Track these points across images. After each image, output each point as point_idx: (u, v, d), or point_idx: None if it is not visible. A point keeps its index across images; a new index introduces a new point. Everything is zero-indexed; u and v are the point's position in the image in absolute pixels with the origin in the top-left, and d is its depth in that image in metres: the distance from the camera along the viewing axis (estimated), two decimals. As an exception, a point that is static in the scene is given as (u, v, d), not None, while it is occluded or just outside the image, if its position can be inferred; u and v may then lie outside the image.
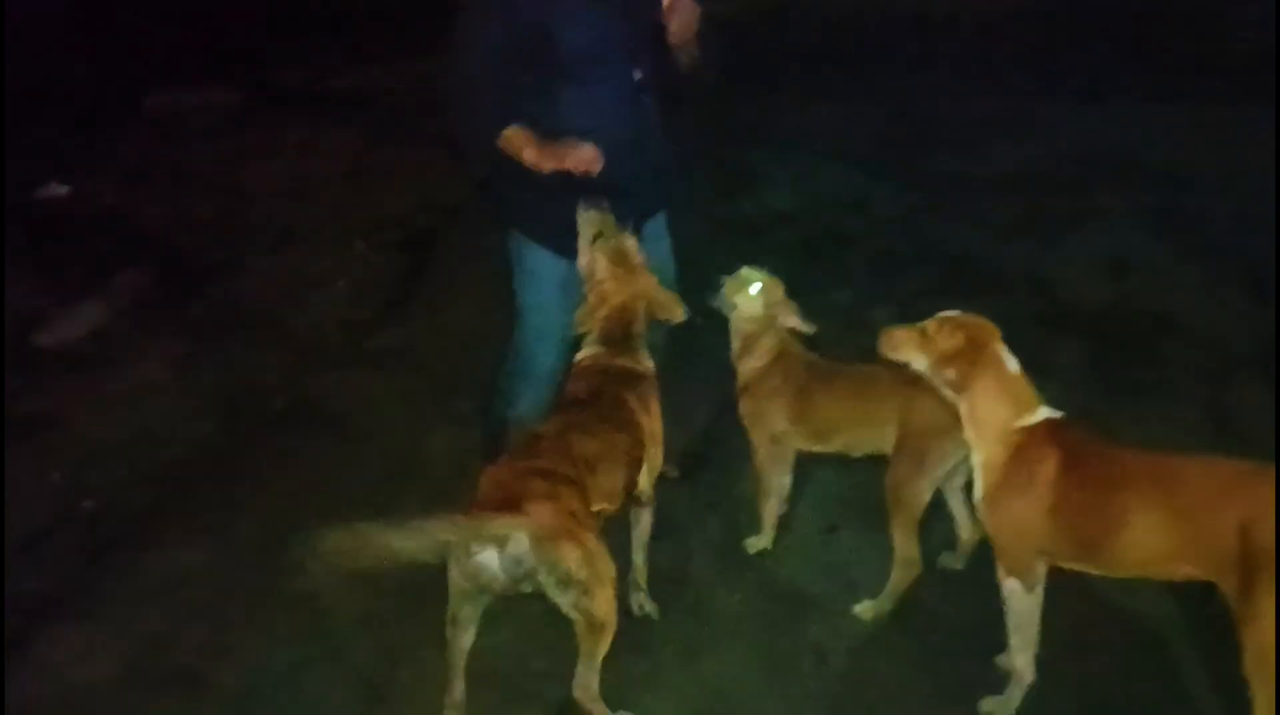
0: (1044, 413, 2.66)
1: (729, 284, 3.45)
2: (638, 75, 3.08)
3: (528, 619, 3.04)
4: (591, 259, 3.08)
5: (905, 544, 3.17)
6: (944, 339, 2.69)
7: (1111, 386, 4.43)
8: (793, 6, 15.68)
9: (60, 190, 7.00)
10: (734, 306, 3.43)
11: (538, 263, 3.26)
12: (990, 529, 2.73)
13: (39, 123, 7.76)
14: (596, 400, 2.98)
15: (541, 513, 2.46)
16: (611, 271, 3.06)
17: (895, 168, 7.47)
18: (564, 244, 3.18)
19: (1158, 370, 4.59)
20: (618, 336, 3.09)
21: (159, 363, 4.94)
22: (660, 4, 2.96)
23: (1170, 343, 4.84)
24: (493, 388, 3.61)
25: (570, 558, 2.46)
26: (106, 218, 6.35)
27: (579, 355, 3.15)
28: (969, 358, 2.64)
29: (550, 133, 2.97)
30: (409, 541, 2.35)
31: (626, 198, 3.14)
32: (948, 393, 2.73)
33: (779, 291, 3.47)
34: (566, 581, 2.48)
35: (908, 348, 2.76)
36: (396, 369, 4.89)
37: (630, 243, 3.12)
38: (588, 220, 3.07)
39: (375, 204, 7.01)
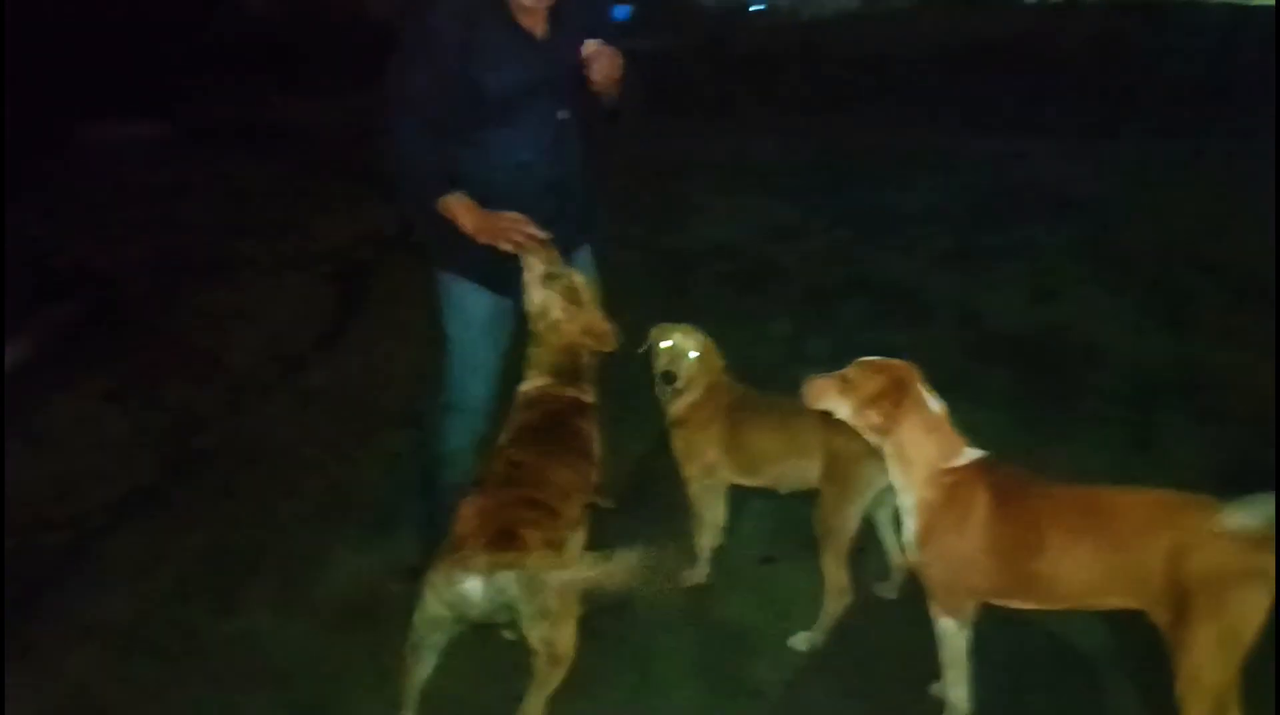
0: (970, 453, 2.69)
1: (661, 351, 3.46)
2: (562, 115, 3.12)
3: (475, 652, 3.01)
4: (544, 297, 3.11)
5: (835, 573, 3.20)
6: (865, 383, 2.71)
7: (1038, 415, 4.52)
8: (726, 43, 15.94)
9: (-16, 223, 6.85)
10: (666, 372, 3.45)
11: (463, 297, 3.28)
12: (923, 570, 2.75)
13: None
14: (558, 430, 3.01)
15: (534, 541, 2.50)
16: (565, 308, 3.11)
17: (826, 200, 7.61)
18: (489, 278, 3.21)
19: (1084, 399, 4.70)
20: (568, 369, 3.13)
21: (86, 399, 4.83)
22: (582, 48, 3.01)
23: (1095, 372, 4.95)
24: (423, 418, 3.60)
25: (550, 590, 2.49)
26: (32, 251, 6.22)
27: (524, 386, 3.17)
28: (891, 400, 2.66)
29: (477, 171, 3.04)
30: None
31: (552, 231, 3.17)
32: (872, 438, 2.74)
33: (712, 354, 3.51)
34: (543, 612, 2.50)
35: (829, 396, 2.76)
36: (330, 403, 4.85)
37: (579, 279, 3.17)
38: (537, 259, 3.09)
39: (307, 237, 6.96)
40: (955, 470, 2.65)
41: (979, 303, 5.75)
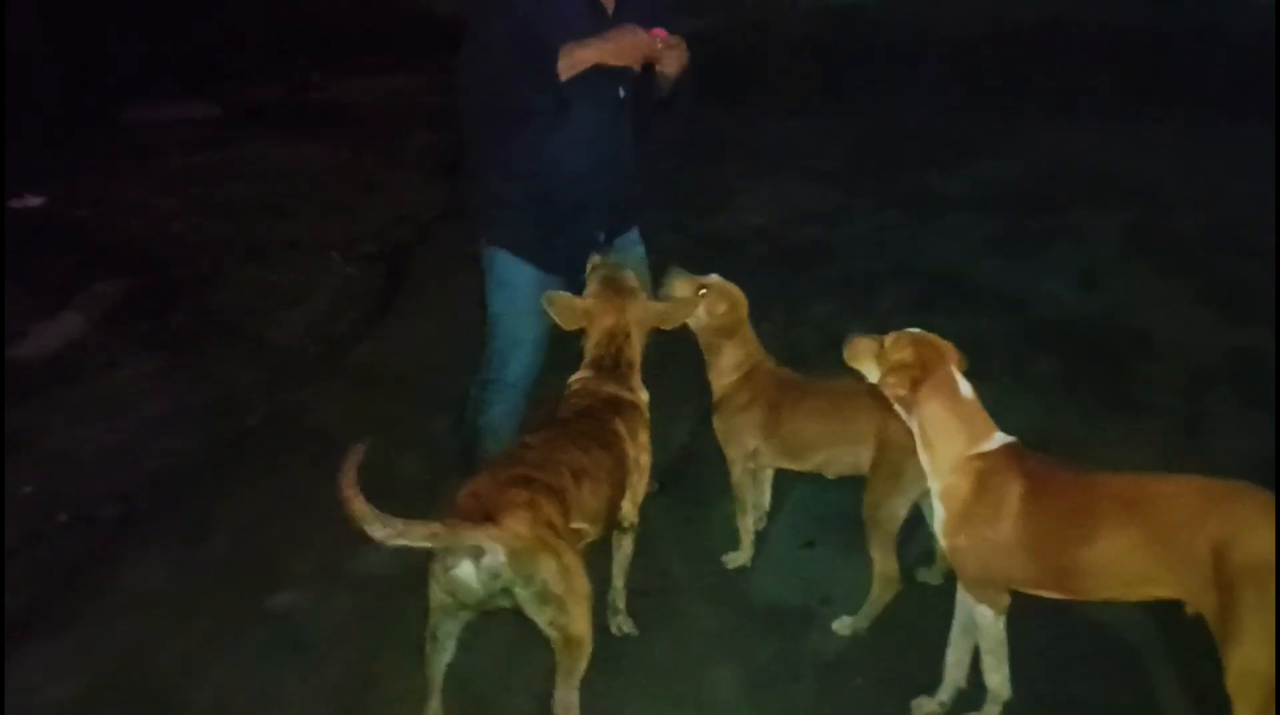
0: (1000, 439, 2.64)
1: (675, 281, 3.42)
2: (623, 93, 3.13)
3: (506, 638, 3.01)
4: (587, 289, 3.12)
5: (884, 561, 3.17)
6: (896, 351, 2.69)
7: (1086, 402, 4.46)
8: (771, 23, 15.83)
9: (34, 202, 6.96)
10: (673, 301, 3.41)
11: (509, 270, 3.28)
12: (954, 559, 2.71)
13: (13, 134, 7.69)
14: (582, 419, 2.97)
15: (517, 523, 2.41)
16: (601, 297, 3.09)
17: (871, 184, 7.54)
18: (537, 252, 3.22)
19: (1132, 386, 4.63)
20: (607, 363, 3.09)
21: (134, 375, 4.90)
22: (651, 27, 2.99)
23: (1144, 359, 4.88)
24: (465, 397, 3.60)
25: (547, 571, 2.42)
26: (82, 230, 6.31)
27: (571, 378, 3.15)
28: (916, 375, 2.63)
29: (536, 145, 3.04)
30: (396, 538, 2.40)
31: (602, 210, 3.22)
32: (900, 411, 2.73)
33: (724, 301, 3.42)
34: (543, 596, 2.44)
35: (865, 358, 2.76)
36: (372, 383, 4.88)
37: (623, 271, 3.15)
38: (591, 265, 3.13)
39: (352, 218, 7.01)
40: (985, 456, 2.60)
41: (1026, 288, 5.67)
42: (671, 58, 3.02)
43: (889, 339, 2.72)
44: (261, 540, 3.72)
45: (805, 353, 4.81)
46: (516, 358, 3.36)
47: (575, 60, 2.92)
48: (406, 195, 7.42)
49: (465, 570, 2.43)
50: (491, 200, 3.17)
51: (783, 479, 3.65)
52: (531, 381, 3.39)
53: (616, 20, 3.02)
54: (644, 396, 3.14)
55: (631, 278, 3.18)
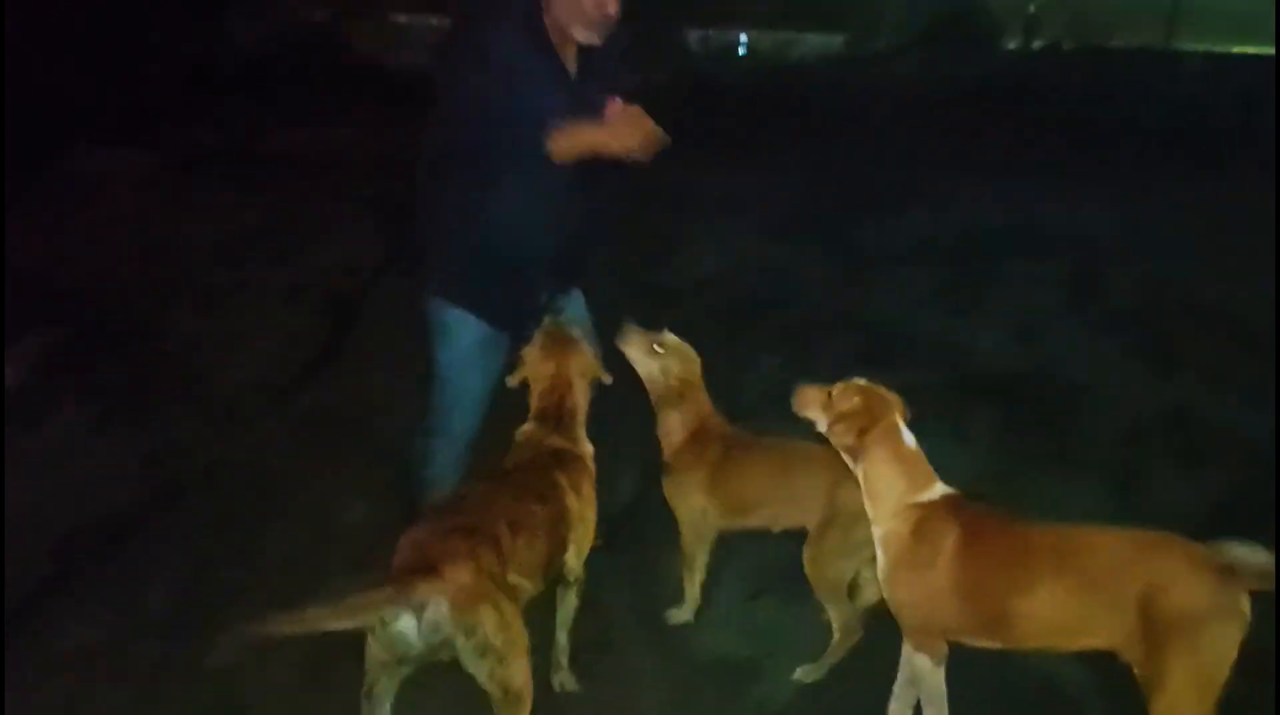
0: (941, 489, 2.70)
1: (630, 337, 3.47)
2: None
3: (446, 694, 2.97)
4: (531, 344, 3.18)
5: (841, 614, 3.20)
6: (843, 401, 2.75)
7: (1023, 454, 4.54)
8: (718, 78, 16.07)
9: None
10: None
11: (455, 323, 3.29)
12: (893, 605, 2.75)
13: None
14: (523, 472, 2.97)
15: (459, 574, 2.40)
16: (544, 349, 3.14)
17: (814, 236, 7.64)
18: (482, 306, 3.24)
19: (1068, 439, 4.72)
20: (551, 415, 3.11)
21: (72, 424, 4.80)
22: (609, 94, 3.03)
23: (1080, 413, 4.98)
24: (409, 448, 3.59)
25: (488, 622, 2.42)
26: (20, 276, 6.18)
27: (517, 431, 3.16)
28: (863, 423, 2.70)
29: (491, 203, 3.07)
30: (343, 622, 2.32)
31: (549, 267, 3.28)
32: (847, 459, 2.78)
33: (678, 362, 3.47)
34: (483, 649, 2.43)
35: (813, 406, 2.84)
36: (317, 433, 4.82)
37: (561, 324, 3.22)
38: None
39: (297, 266, 6.95)
40: (925, 505, 2.67)
41: (965, 341, 5.78)
42: (629, 131, 3.01)
43: (836, 389, 2.79)
44: (200, 594, 3.65)
45: (751, 404, 4.85)
46: (460, 410, 3.37)
47: (578, 144, 2.92)
48: (352, 243, 7.38)
49: (405, 624, 2.40)
50: (440, 253, 3.19)
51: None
52: (475, 434, 3.41)
53: (578, 84, 3.07)
54: (588, 449, 3.15)
55: (574, 331, 3.22)
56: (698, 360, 3.49)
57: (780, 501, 3.33)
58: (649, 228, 7.73)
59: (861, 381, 2.81)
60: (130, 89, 10.98)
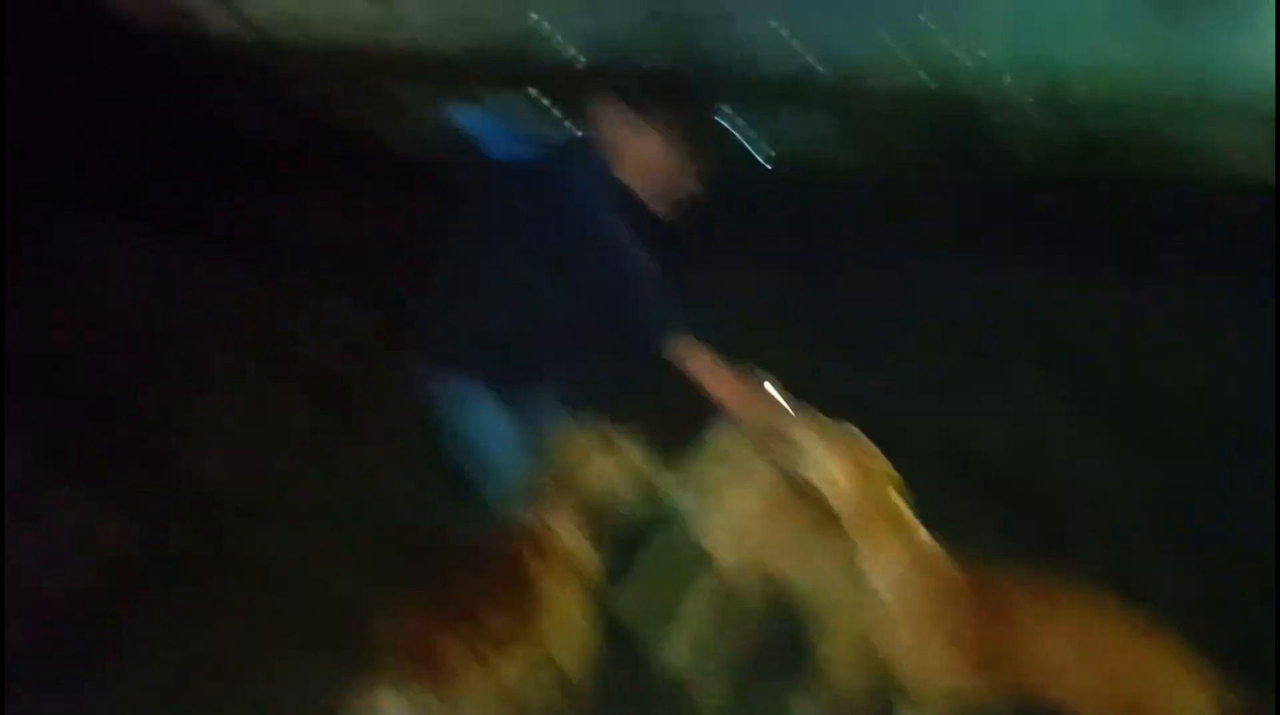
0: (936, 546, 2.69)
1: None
2: None
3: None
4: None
5: None
6: (856, 453, 2.73)
7: (1015, 549, 4.50)
8: (717, 175, 16.17)
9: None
10: None
11: (476, 396, 3.32)
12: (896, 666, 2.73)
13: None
14: (507, 555, 2.97)
15: (448, 661, 2.48)
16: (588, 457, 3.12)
17: (806, 323, 7.65)
18: (503, 380, 3.29)
19: (1061, 534, 4.70)
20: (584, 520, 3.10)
21: (58, 511, 4.75)
22: None
23: (1074, 506, 4.97)
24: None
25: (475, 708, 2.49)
26: (17, 362, 6.18)
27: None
28: (875, 491, 2.67)
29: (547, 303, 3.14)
30: None
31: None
32: (845, 521, 2.74)
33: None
34: None
35: (809, 436, 2.91)
36: (310, 520, 4.78)
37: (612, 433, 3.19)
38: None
39: (292, 346, 6.96)
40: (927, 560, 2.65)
41: (960, 432, 5.78)
42: None
43: (843, 429, 2.87)
44: (186, 687, 3.59)
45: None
46: (496, 478, 3.36)
47: (697, 368, 3.15)
48: (348, 325, 7.41)
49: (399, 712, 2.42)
50: (449, 325, 3.28)
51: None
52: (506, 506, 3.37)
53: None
54: (572, 543, 3.09)
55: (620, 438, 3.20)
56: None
57: None
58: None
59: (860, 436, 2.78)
60: (130, 165, 11.07)
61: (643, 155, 3.14)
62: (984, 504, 4.92)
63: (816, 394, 6.21)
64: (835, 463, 2.73)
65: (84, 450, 5.32)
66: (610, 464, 3.13)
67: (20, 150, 9.34)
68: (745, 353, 7.03)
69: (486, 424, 3.34)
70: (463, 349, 3.30)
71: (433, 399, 3.39)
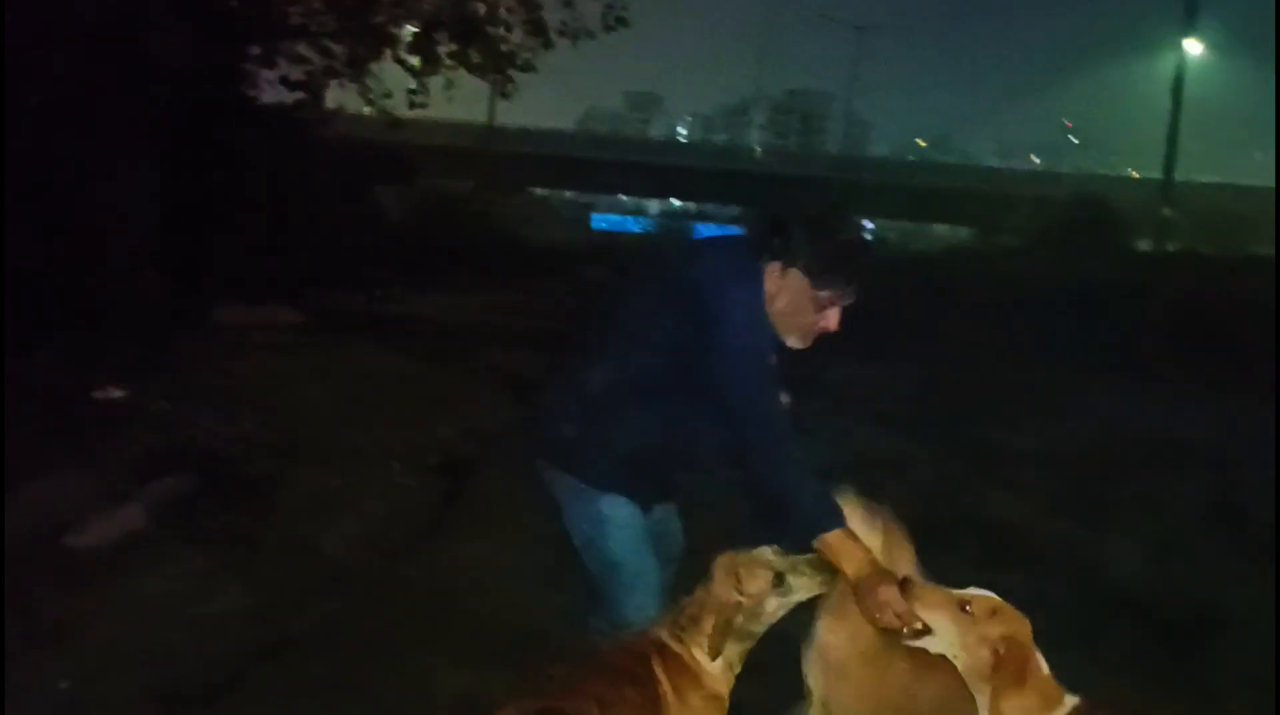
0: (1070, 701, 2.49)
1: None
2: None
3: None
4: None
5: None
6: (986, 618, 2.57)
7: (1152, 680, 4.25)
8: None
9: (115, 393, 7.18)
10: None
11: (618, 511, 3.20)
12: None
13: (111, 327, 8.03)
14: (620, 653, 2.87)
15: None
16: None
17: (935, 432, 7.51)
18: (638, 492, 3.19)
19: (1201, 668, 4.41)
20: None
21: (184, 573, 4.89)
22: None
23: (1216, 641, 4.67)
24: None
25: None
26: (155, 424, 6.47)
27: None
28: (1005, 648, 2.52)
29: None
30: None
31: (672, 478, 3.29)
32: (969, 677, 2.59)
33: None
34: None
35: (939, 613, 2.58)
36: (421, 598, 4.81)
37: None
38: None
39: (417, 429, 7.11)
40: None
41: (1094, 553, 5.54)
42: None
43: (976, 602, 2.57)
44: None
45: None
46: (640, 590, 3.27)
47: (834, 551, 2.88)
48: (474, 410, 7.55)
49: None
50: (594, 440, 3.14)
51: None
52: (654, 613, 3.30)
53: None
54: (708, 664, 2.86)
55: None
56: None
57: None
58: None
59: (993, 597, 2.63)
60: (281, 250, 11.62)
61: (796, 308, 3.05)
62: (1119, 630, 4.67)
63: (944, 505, 6.10)
64: (970, 639, 2.56)
65: (206, 513, 5.48)
66: (761, 584, 2.89)
67: (180, 231, 9.90)
68: (867, 454, 6.93)
69: (628, 539, 3.23)
70: (599, 458, 3.18)
71: (565, 504, 3.29)
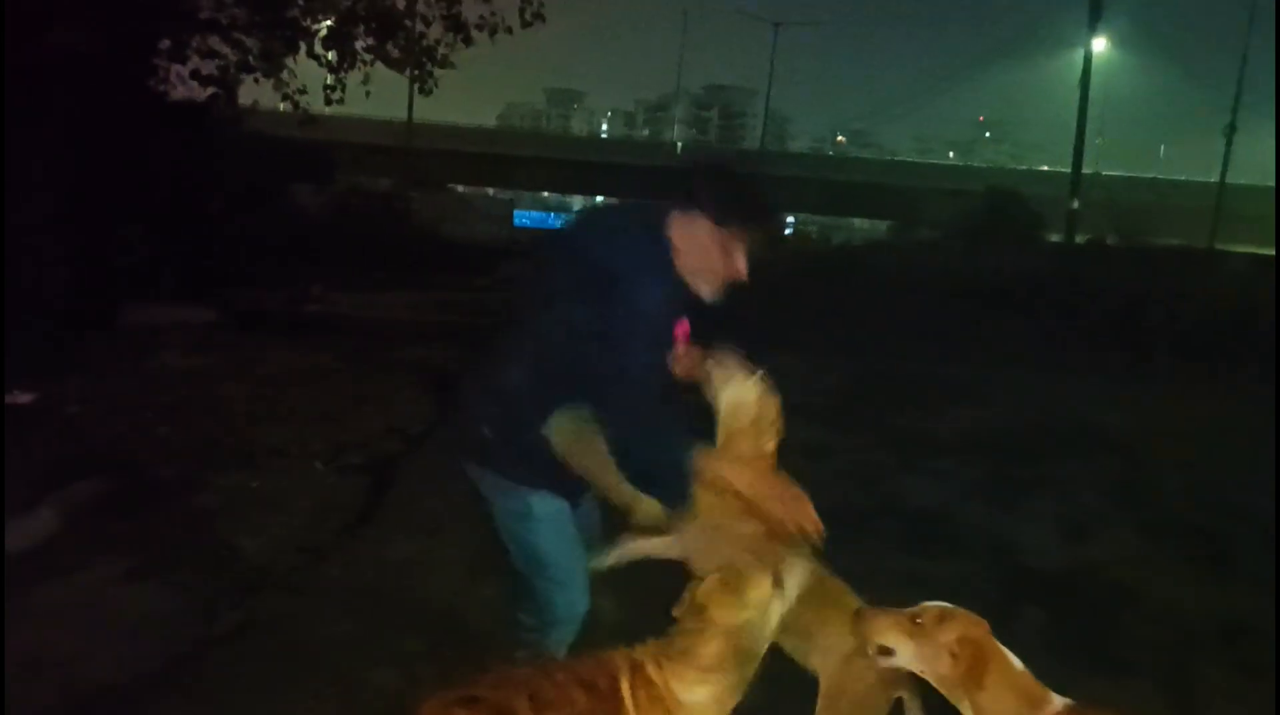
0: (1059, 702, 2.51)
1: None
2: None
3: None
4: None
5: None
6: (940, 630, 2.56)
7: (1070, 658, 4.37)
8: (759, 260, 16.35)
9: (23, 398, 6.98)
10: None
11: (544, 507, 3.19)
12: None
13: (14, 330, 7.79)
14: (583, 660, 2.76)
15: None
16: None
17: (859, 421, 7.64)
18: (564, 486, 3.18)
19: (1118, 645, 4.55)
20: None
21: (102, 578, 4.77)
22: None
23: (1130, 617, 4.82)
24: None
25: None
26: (67, 428, 6.30)
27: None
28: (970, 657, 2.54)
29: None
30: None
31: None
32: (941, 688, 2.62)
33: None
34: None
35: (894, 634, 2.61)
36: (348, 598, 4.76)
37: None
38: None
39: (339, 427, 7.02)
40: None
41: (1012, 536, 5.68)
42: (683, 366, 3.20)
43: (927, 616, 2.59)
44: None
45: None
46: (569, 585, 3.25)
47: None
48: (396, 408, 7.47)
49: None
50: (520, 437, 3.11)
51: None
52: (583, 610, 3.26)
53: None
54: (686, 693, 2.68)
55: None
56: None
57: None
58: (688, 405, 7.75)
59: (944, 605, 2.64)
60: (194, 248, 11.38)
61: (704, 254, 3.08)
62: (1036, 611, 4.78)
63: (871, 492, 6.21)
64: (927, 650, 2.60)
65: (123, 516, 5.35)
66: (764, 590, 2.76)
67: (92, 229, 9.64)
68: (789, 443, 7.01)
69: (556, 536, 3.21)
70: (521, 454, 3.15)
71: (492, 501, 3.27)
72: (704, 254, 3.04)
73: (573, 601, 3.23)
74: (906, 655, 2.60)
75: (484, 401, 3.21)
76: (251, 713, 3.81)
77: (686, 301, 3.11)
